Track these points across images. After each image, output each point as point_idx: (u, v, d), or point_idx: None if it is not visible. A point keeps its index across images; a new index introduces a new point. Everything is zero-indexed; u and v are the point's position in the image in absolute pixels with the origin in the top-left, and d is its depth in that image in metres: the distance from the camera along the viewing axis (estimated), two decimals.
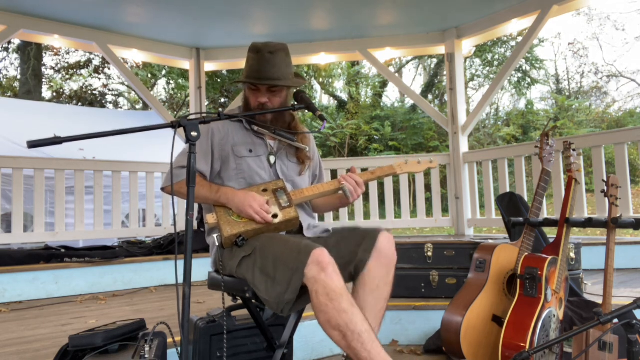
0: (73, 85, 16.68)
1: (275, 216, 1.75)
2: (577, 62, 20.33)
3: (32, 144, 1.20)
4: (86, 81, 16.58)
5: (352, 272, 1.73)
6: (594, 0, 4.61)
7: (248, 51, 1.89)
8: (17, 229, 4.20)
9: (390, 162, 2.06)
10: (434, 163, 2.03)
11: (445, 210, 6.26)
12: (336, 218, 5.54)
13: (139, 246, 4.47)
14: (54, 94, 16.25)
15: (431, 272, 2.85)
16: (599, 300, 1.93)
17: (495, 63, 15.69)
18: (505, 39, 14.93)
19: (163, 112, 5.50)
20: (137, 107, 17.40)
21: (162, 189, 1.85)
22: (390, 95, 18.29)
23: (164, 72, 15.40)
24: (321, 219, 6.75)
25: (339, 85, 17.08)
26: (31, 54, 12.30)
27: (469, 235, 5.06)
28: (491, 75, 15.91)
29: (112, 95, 17.61)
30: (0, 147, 5.91)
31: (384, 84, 16.62)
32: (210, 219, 1.76)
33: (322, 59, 5.58)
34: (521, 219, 2.21)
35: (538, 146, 2.20)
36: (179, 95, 16.61)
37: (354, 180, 1.85)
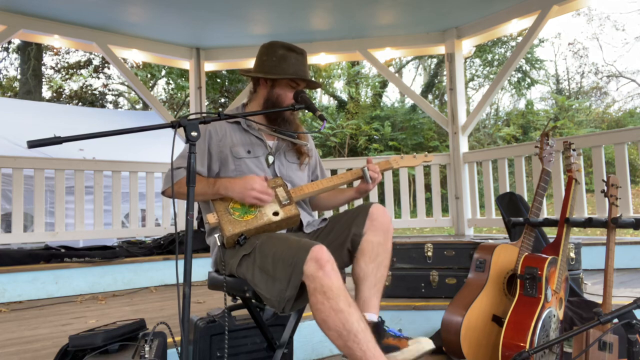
0: (73, 85, 16.69)
1: (276, 214, 1.73)
2: (577, 62, 20.39)
3: (32, 144, 1.20)
4: (86, 81, 16.58)
5: (349, 249, 1.74)
6: (594, 0, 4.61)
7: (278, 47, 1.91)
8: (17, 228, 4.20)
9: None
10: (429, 157, 2.06)
11: (445, 210, 6.26)
12: None
13: (139, 246, 4.47)
14: (54, 94, 16.25)
15: (431, 272, 2.85)
16: (599, 300, 1.93)
17: (495, 63, 15.70)
18: (505, 39, 14.94)
19: (163, 112, 5.50)
20: (137, 107, 17.40)
21: (162, 193, 1.85)
22: (390, 95, 18.32)
23: (163, 72, 15.40)
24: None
25: (339, 85, 17.09)
26: (31, 54, 12.30)
27: (469, 235, 5.05)
28: (491, 76, 15.92)
29: (112, 95, 17.62)
30: (0, 147, 5.91)
31: (384, 84, 16.63)
32: (211, 218, 1.75)
33: (322, 59, 5.58)
34: (521, 219, 2.21)
35: (538, 146, 2.20)
36: (179, 95, 16.60)
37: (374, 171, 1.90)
